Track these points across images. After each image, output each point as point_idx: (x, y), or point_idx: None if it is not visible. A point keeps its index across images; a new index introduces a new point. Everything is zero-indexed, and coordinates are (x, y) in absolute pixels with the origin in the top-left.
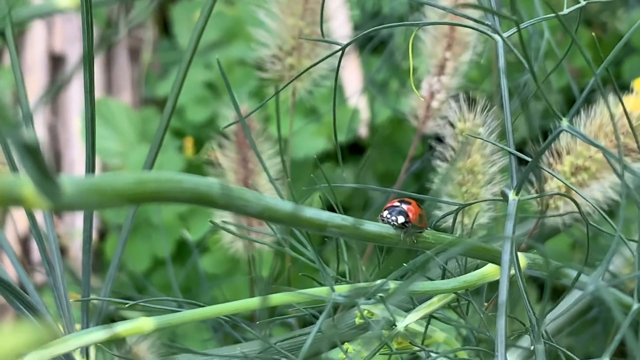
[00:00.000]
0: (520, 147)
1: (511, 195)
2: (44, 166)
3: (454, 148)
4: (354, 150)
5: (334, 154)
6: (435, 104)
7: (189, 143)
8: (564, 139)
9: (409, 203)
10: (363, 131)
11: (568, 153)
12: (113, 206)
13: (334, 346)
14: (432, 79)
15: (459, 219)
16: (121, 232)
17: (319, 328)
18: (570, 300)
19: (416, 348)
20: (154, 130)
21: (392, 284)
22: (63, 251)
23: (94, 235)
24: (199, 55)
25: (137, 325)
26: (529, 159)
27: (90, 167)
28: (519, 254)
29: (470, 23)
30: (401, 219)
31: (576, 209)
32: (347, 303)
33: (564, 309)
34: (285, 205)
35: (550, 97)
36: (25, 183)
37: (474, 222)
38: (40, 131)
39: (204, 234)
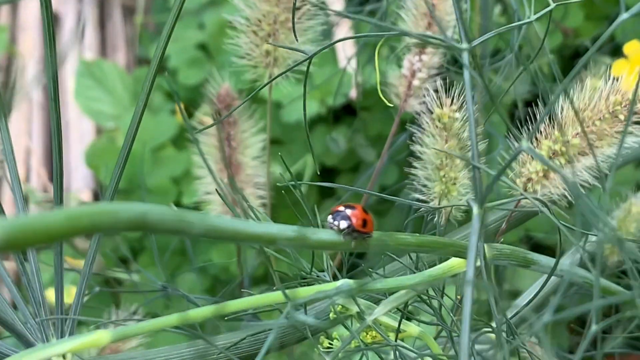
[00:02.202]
0: (512, 111)
1: (475, 209)
2: None
3: (433, 134)
4: (347, 111)
5: (326, 117)
6: (416, 82)
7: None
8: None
9: (354, 208)
10: (354, 94)
11: (546, 138)
12: (47, 243)
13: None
14: (413, 58)
15: (435, 203)
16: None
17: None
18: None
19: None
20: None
21: (353, 283)
22: None
23: (88, 196)
24: (192, 15)
25: (94, 338)
26: (493, 173)
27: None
28: (485, 245)
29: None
30: (344, 224)
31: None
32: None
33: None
34: (232, 223)
35: (543, 58)
36: None
37: (451, 209)
38: (34, 91)
39: (197, 197)
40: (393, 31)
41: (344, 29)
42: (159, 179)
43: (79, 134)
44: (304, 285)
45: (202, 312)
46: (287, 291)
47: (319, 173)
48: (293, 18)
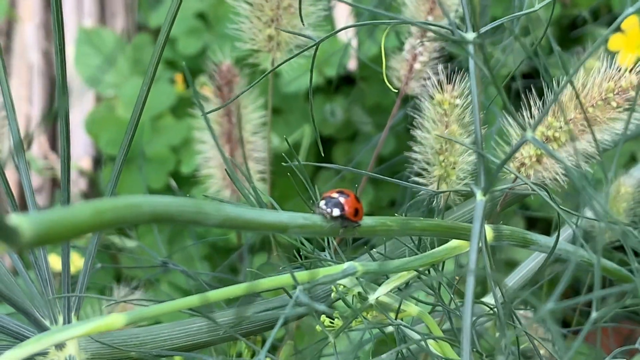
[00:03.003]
0: (509, 85)
1: (478, 195)
2: None
3: (433, 119)
4: (345, 81)
5: (324, 87)
6: (417, 65)
7: (179, 79)
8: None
9: (347, 195)
10: (352, 65)
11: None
12: (74, 237)
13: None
14: (415, 41)
15: (434, 186)
16: (113, 168)
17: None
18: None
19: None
20: (147, 58)
21: (359, 266)
22: (55, 183)
23: (88, 163)
24: None
25: (109, 321)
26: (498, 161)
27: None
28: (486, 226)
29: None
30: (336, 212)
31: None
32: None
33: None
34: (245, 213)
35: (541, 29)
36: None
37: (450, 193)
38: (35, 57)
39: (196, 166)
40: (397, 19)
41: (343, 9)
42: (158, 147)
43: (79, 101)
44: (307, 264)
45: (219, 294)
46: (295, 274)
47: (321, 148)
48: (300, 3)
